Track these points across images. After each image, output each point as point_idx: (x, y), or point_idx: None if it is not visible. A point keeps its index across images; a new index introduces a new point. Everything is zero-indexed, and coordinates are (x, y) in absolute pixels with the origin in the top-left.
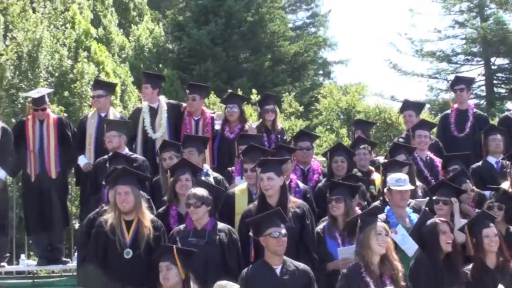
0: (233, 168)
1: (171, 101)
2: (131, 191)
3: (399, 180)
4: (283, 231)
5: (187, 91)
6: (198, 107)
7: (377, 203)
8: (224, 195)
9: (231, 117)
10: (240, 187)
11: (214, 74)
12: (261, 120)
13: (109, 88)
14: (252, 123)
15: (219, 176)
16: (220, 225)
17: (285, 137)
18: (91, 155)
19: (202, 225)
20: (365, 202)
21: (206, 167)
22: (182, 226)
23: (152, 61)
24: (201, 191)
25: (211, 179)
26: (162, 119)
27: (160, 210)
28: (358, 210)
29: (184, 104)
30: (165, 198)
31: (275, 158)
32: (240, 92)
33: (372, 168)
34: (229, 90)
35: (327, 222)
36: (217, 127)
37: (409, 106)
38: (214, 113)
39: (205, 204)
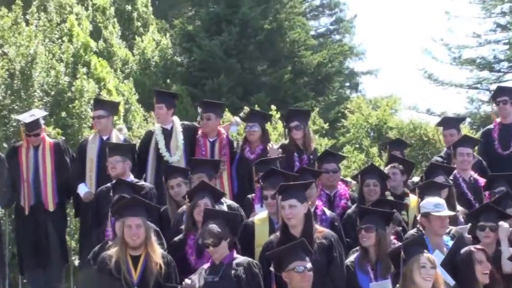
0: (253, 195)
1: (186, 122)
2: (143, 224)
3: (438, 205)
4: (309, 265)
5: (200, 110)
6: (214, 127)
7: (413, 231)
8: (239, 218)
9: (251, 137)
10: (260, 216)
11: (228, 89)
12: (280, 140)
13: (111, 107)
14: (273, 143)
15: (234, 204)
16: (239, 258)
17: None
18: (92, 183)
19: (220, 259)
20: (400, 228)
21: None
22: (206, 265)
23: (159, 76)
24: (215, 228)
25: (224, 208)
26: (178, 141)
27: (177, 239)
28: (393, 240)
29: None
30: (182, 226)
31: (298, 183)
32: (257, 109)
33: (407, 191)
34: (246, 107)
35: (358, 254)
36: (233, 129)
37: (449, 124)
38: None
39: (224, 238)
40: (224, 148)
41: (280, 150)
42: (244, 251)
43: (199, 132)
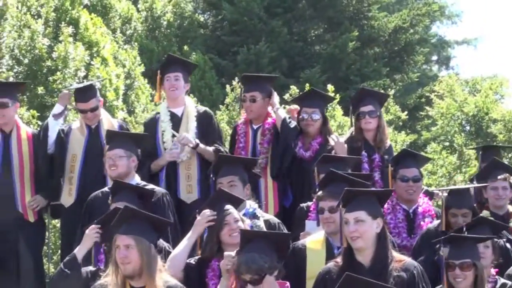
0: (309, 203)
1: (199, 106)
2: (136, 245)
3: None
4: None
5: (241, 87)
6: (260, 112)
7: None
8: (288, 239)
9: (311, 128)
10: (314, 237)
11: (269, 61)
12: (351, 130)
13: (95, 86)
14: (337, 136)
15: (274, 219)
16: None
17: None
18: (72, 189)
19: None
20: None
21: (253, 205)
22: None
23: (172, 42)
24: (255, 259)
25: (260, 224)
26: (189, 130)
27: (193, 260)
28: (492, 273)
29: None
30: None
31: (372, 189)
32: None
33: None
34: (293, 87)
35: None
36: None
37: None
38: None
39: (269, 272)
40: (265, 135)
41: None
42: (291, 285)
43: (241, 118)
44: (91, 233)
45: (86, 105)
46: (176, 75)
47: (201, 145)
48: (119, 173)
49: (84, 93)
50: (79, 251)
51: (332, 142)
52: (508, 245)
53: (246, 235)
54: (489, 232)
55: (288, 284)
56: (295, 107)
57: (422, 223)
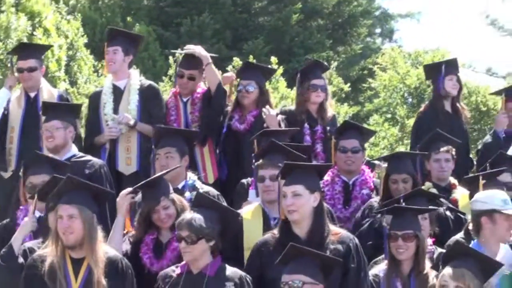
0: (250, 180)
1: (144, 80)
2: (79, 214)
3: (506, 201)
4: (307, 279)
5: (178, 61)
6: (194, 88)
7: (459, 236)
8: (240, 219)
9: (245, 100)
10: (249, 208)
11: (213, 33)
12: (284, 104)
13: (41, 53)
14: (269, 108)
15: (213, 191)
16: (230, 270)
17: None
18: (11, 160)
19: (200, 268)
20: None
21: (193, 177)
22: (174, 271)
23: (116, 12)
24: (199, 219)
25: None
26: (130, 103)
27: (127, 237)
28: (429, 243)
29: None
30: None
31: (310, 164)
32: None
33: (454, 181)
34: (236, 59)
35: (386, 267)
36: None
37: None
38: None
39: (206, 238)
40: (196, 104)
41: (281, 116)
42: (228, 256)
43: (170, 92)
44: (29, 221)
45: (23, 63)
46: (114, 49)
47: (139, 124)
48: (56, 144)
49: (26, 52)
50: (16, 240)
51: (264, 114)
52: (447, 213)
53: (200, 199)
54: (426, 203)
55: (220, 258)
56: (231, 74)
57: (357, 195)
